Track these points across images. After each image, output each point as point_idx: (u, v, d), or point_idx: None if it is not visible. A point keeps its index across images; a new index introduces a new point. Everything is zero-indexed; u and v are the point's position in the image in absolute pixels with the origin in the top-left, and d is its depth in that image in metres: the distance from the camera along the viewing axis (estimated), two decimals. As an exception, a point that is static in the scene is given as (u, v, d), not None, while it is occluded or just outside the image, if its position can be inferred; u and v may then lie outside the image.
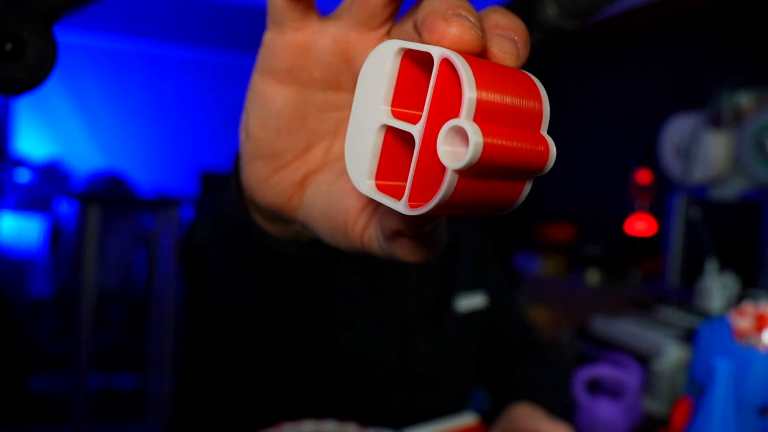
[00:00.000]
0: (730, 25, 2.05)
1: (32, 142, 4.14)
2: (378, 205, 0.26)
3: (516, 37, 0.23)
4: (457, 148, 0.20)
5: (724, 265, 1.44)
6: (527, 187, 0.23)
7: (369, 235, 0.27)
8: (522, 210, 3.15)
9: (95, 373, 2.22)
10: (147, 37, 4.20)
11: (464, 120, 0.19)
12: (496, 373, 0.97)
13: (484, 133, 0.19)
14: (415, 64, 0.23)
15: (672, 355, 1.33)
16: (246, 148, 0.31)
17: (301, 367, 0.80)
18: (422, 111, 0.21)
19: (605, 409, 0.79)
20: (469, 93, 0.19)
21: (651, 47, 2.42)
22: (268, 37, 0.29)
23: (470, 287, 0.93)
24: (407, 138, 0.22)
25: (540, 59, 3.08)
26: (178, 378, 2.00)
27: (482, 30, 0.22)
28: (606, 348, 1.50)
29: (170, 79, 4.36)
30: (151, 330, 2.07)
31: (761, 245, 1.40)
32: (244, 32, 4.26)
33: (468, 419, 0.80)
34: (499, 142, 0.20)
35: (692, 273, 1.50)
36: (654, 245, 2.02)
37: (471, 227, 1.03)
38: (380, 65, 0.23)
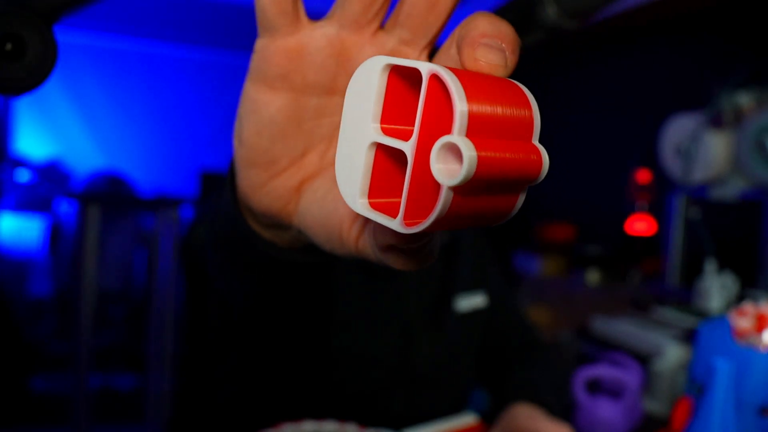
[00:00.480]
0: (730, 25, 2.05)
1: (32, 142, 4.14)
2: None
3: (503, 45, 0.23)
4: (451, 165, 0.19)
5: (724, 265, 1.44)
6: (521, 197, 0.23)
7: (363, 243, 0.27)
8: (522, 210, 3.14)
9: (95, 373, 2.22)
10: (147, 37, 4.20)
11: (456, 136, 0.19)
12: (496, 373, 0.97)
13: (478, 148, 0.19)
14: (403, 79, 0.23)
15: (672, 355, 1.33)
16: (240, 155, 0.31)
17: (301, 367, 0.80)
18: (412, 126, 0.21)
19: (605, 409, 0.79)
20: (460, 107, 0.19)
21: (651, 47, 2.42)
22: (260, 43, 0.29)
23: (470, 287, 0.93)
24: (399, 155, 0.22)
25: (540, 59, 3.08)
26: (178, 378, 2.00)
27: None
28: (606, 348, 1.50)
29: (170, 79, 4.36)
30: (151, 330, 2.07)
31: (761, 245, 1.40)
32: (244, 32, 4.26)
33: (468, 419, 0.80)
34: (493, 155, 0.19)
35: (692, 273, 1.50)
36: (654, 245, 2.02)
37: (471, 228, 1.03)
38: (367, 82, 0.22)
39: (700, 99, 1.52)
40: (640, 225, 2.01)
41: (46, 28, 0.31)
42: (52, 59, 0.31)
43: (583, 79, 2.82)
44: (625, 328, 1.49)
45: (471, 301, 0.93)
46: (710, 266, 1.41)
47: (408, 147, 0.21)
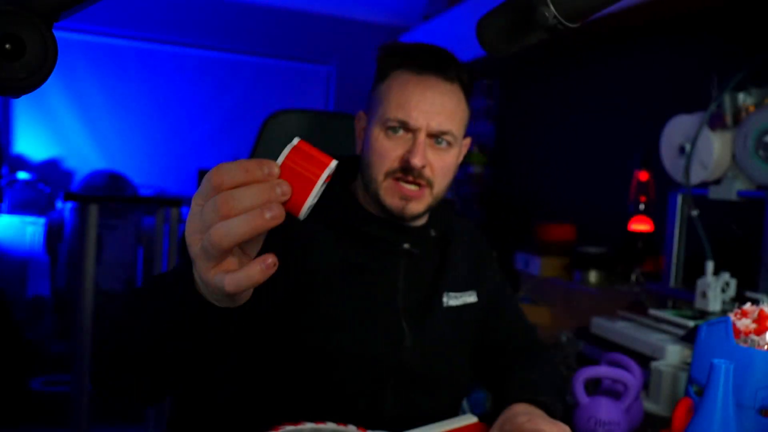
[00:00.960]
0: (730, 25, 2.05)
1: (32, 142, 4.14)
2: None
3: None
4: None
5: (724, 266, 1.44)
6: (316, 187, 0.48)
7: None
8: (522, 210, 3.15)
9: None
10: (147, 36, 4.20)
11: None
12: (496, 373, 0.97)
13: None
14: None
15: (672, 355, 1.33)
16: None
17: (295, 365, 0.81)
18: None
19: (605, 409, 0.79)
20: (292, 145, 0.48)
21: (651, 47, 2.42)
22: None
23: (461, 288, 0.94)
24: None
25: (540, 59, 3.08)
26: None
27: None
28: (606, 348, 1.50)
29: (169, 78, 4.35)
30: (151, 330, 2.07)
31: (761, 245, 1.40)
32: (243, 32, 4.25)
33: (468, 419, 0.80)
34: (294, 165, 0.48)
35: (692, 273, 1.49)
36: (654, 245, 2.02)
37: (469, 229, 1.03)
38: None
39: (700, 99, 1.52)
40: (641, 225, 2.01)
41: (46, 27, 0.31)
42: (52, 59, 0.31)
43: (583, 79, 2.82)
44: (625, 329, 1.49)
45: (461, 299, 0.93)
46: (710, 267, 1.41)
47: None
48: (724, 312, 1.39)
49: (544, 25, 0.56)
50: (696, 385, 0.77)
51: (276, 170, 0.46)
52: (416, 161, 0.81)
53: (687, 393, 0.79)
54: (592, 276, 2.17)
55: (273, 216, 0.45)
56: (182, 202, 2.14)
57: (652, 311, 1.50)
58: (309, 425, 0.65)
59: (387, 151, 0.83)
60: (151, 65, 4.30)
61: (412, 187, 0.83)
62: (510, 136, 3.43)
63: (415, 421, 0.83)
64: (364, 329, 0.83)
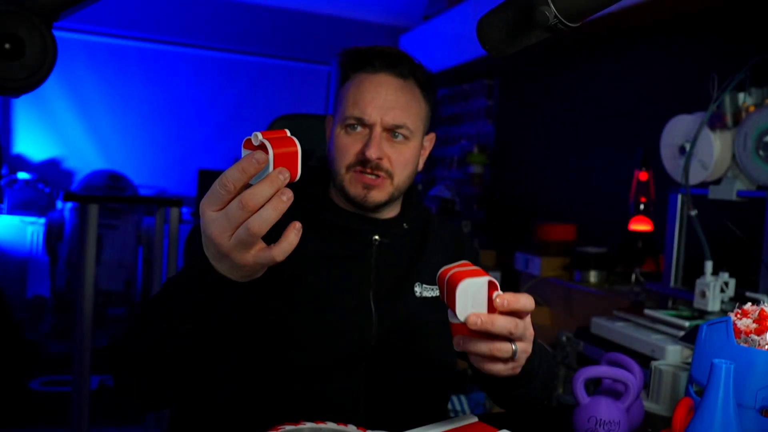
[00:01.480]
0: (730, 25, 2.05)
1: (32, 142, 4.14)
2: None
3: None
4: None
5: (724, 266, 1.44)
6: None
7: None
8: (522, 210, 3.15)
9: (95, 373, 2.22)
10: (147, 36, 4.20)
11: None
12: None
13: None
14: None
15: (672, 355, 1.33)
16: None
17: (276, 344, 0.84)
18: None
19: (605, 409, 0.79)
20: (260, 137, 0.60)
21: (651, 47, 2.42)
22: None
23: (436, 281, 0.96)
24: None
25: (540, 59, 3.08)
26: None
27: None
28: (606, 348, 1.50)
29: (169, 78, 4.35)
30: (151, 330, 2.07)
31: (761, 245, 1.40)
32: (244, 32, 4.25)
33: (468, 419, 0.80)
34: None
35: (692, 273, 1.49)
36: (654, 245, 2.02)
37: (451, 230, 1.05)
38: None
39: (700, 99, 1.52)
40: (641, 225, 2.01)
41: (45, 27, 0.31)
42: (51, 59, 0.31)
43: (583, 79, 2.82)
44: (625, 329, 1.49)
45: (436, 291, 0.95)
46: (710, 266, 1.41)
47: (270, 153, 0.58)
48: (723, 312, 1.39)
49: (544, 25, 0.56)
50: (696, 385, 0.77)
51: (261, 158, 0.57)
52: (370, 153, 0.87)
53: (687, 393, 0.79)
54: (592, 276, 2.17)
55: (288, 198, 0.58)
56: (182, 202, 2.14)
57: (647, 311, 1.50)
58: (309, 425, 0.65)
59: (346, 146, 0.90)
60: (151, 65, 4.30)
61: (372, 176, 0.90)
62: (510, 136, 3.43)
63: (393, 398, 0.89)
64: (336, 311, 0.88)
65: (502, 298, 0.66)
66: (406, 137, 0.91)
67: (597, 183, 2.65)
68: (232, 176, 0.57)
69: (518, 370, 0.73)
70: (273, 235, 0.60)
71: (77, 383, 1.95)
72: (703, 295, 1.39)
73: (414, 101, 0.92)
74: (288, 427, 0.63)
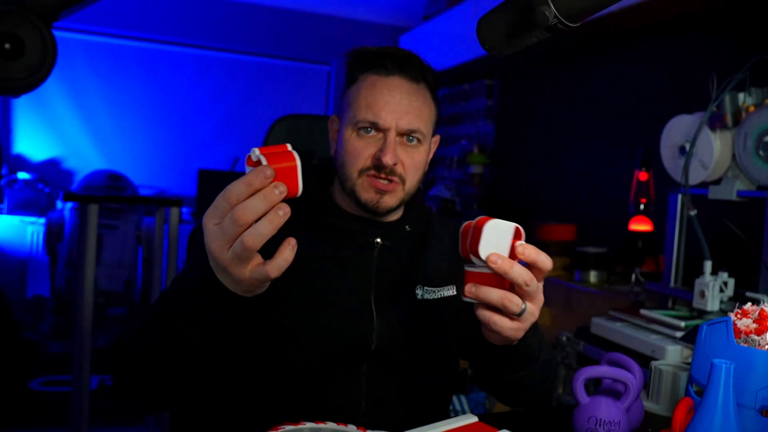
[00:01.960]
0: (730, 25, 2.05)
1: (32, 142, 4.14)
2: None
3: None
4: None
5: (724, 266, 1.43)
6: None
7: None
8: (522, 210, 3.15)
9: (95, 373, 2.22)
10: (147, 36, 4.20)
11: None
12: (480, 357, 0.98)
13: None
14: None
15: (672, 355, 1.33)
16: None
17: (278, 345, 0.84)
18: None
19: (605, 409, 0.79)
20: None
21: (651, 47, 2.42)
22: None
23: (438, 283, 0.96)
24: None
25: (540, 59, 3.08)
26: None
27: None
28: (606, 348, 1.50)
29: (170, 78, 4.35)
30: (151, 330, 2.07)
31: (761, 245, 1.40)
32: (244, 32, 4.25)
33: (468, 419, 0.80)
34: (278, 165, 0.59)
35: (692, 273, 1.49)
36: (654, 245, 2.02)
37: (451, 229, 1.05)
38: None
39: (700, 99, 1.51)
40: (641, 225, 2.01)
41: (45, 27, 0.31)
42: (51, 59, 0.31)
43: (583, 79, 2.82)
44: (625, 329, 1.49)
45: (438, 293, 0.94)
46: (710, 266, 1.41)
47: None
48: (722, 311, 1.39)
49: (544, 25, 0.56)
50: (696, 385, 0.77)
51: (270, 172, 0.56)
52: (387, 159, 0.86)
53: (687, 393, 0.79)
54: (592, 276, 2.17)
55: (285, 212, 0.57)
56: (182, 202, 2.13)
57: (644, 311, 1.49)
58: (309, 425, 0.65)
59: (359, 150, 0.89)
60: (151, 65, 4.30)
61: (386, 182, 0.89)
62: (510, 136, 3.43)
63: (393, 399, 0.89)
64: (337, 312, 0.88)
65: (524, 246, 0.67)
66: (419, 141, 0.90)
67: (597, 183, 2.65)
68: (236, 189, 0.57)
69: (521, 333, 0.73)
70: (274, 249, 0.60)
71: (77, 383, 1.95)
72: (702, 295, 1.39)
73: (426, 105, 0.92)
74: (288, 427, 0.63)
